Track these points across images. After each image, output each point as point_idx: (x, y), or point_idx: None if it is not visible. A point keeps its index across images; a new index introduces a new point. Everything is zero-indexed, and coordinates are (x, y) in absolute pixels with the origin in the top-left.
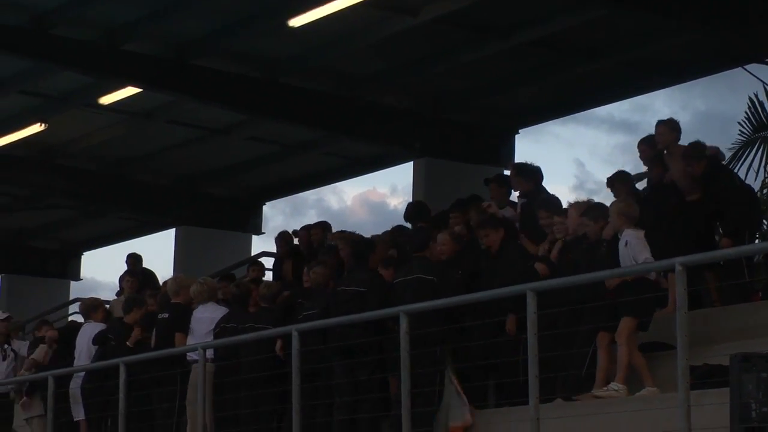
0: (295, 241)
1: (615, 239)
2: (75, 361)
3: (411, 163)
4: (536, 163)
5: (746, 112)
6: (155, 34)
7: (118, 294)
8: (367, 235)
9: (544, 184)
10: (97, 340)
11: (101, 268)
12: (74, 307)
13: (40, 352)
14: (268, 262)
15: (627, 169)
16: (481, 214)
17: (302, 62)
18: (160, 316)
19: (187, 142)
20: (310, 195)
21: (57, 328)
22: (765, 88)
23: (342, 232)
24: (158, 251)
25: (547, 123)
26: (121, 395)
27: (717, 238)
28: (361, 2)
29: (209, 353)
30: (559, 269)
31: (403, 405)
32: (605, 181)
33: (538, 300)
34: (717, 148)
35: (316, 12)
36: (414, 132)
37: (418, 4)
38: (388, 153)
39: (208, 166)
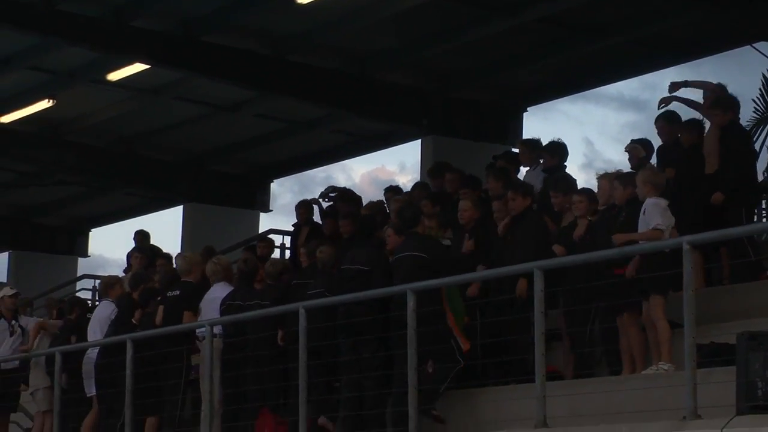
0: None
1: (634, 205)
2: (89, 338)
3: (419, 141)
4: (545, 141)
5: (760, 89)
6: (163, 10)
7: (125, 271)
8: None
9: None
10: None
11: (109, 245)
12: (82, 284)
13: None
14: (277, 240)
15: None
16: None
17: (310, 39)
18: (170, 293)
19: (194, 119)
20: (318, 172)
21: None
22: None
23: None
24: (166, 228)
25: (555, 101)
26: (128, 372)
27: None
28: None
29: (218, 330)
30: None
31: (410, 382)
32: (616, 159)
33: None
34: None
35: None
36: (422, 110)
37: None
38: (396, 131)
39: (216, 143)
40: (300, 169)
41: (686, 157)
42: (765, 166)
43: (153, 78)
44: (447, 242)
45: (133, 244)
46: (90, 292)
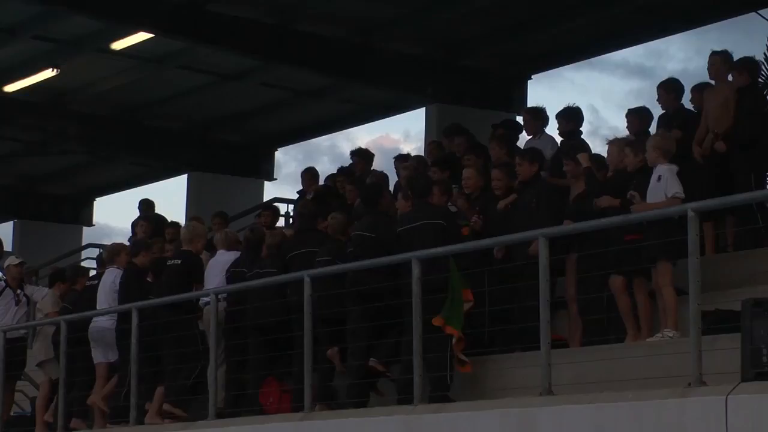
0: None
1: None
2: (98, 306)
3: (423, 109)
4: (550, 109)
5: (765, 54)
6: None
7: (130, 239)
8: None
9: (557, 128)
10: None
11: (114, 214)
12: (87, 253)
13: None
14: (281, 208)
15: None
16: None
17: (315, 8)
18: (170, 262)
19: (199, 88)
20: (322, 141)
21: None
22: None
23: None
24: (170, 197)
25: (561, 68)
26: (134, 340)
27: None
28: None
29: (221, 297)
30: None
31: (415, 350)
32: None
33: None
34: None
35: None
36: (426, 78)
37: None
38: (401, 99)
39: (221, 112)
40: (305, 137)
41: (693, 120)
42: None
43: (157, 47)
44: (453, 208)
45: (137, 213)
46: (95, 261)
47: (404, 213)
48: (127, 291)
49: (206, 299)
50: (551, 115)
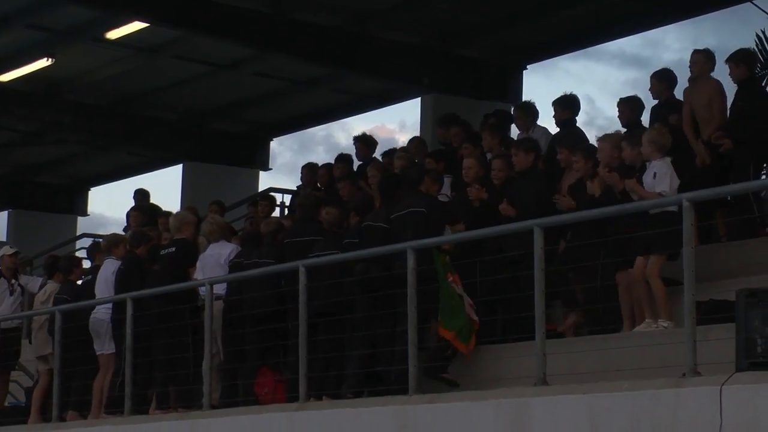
0: None
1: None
2: (97, 296)
3: (419, 99)
4: (546, 99)
5: (753, 49)
6: None
7: (125, 230)
8: None
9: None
10: None
11: (109, 204)
12: (82, 242)
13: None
14: (276, 198)
15: None
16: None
17: None
18: (165, 251)
19: (194, 78)
20: (318, 131)
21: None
22: None
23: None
24: (165, 187)
25: (557, 58)
26: (128, 330)
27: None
28: None
29: (222, 289)
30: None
31: (410, 341)
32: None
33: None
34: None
35: None
36: (422, 68)
37: None
38: (396, 89)
39: (216, 102)
40: (300, 127)
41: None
42: None
43: (152, 36)
44: (444, 198)
45: (133, 203)
46: (86, 253)
47: (396, 202)
48: (128, 281)
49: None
50: (548, 103)
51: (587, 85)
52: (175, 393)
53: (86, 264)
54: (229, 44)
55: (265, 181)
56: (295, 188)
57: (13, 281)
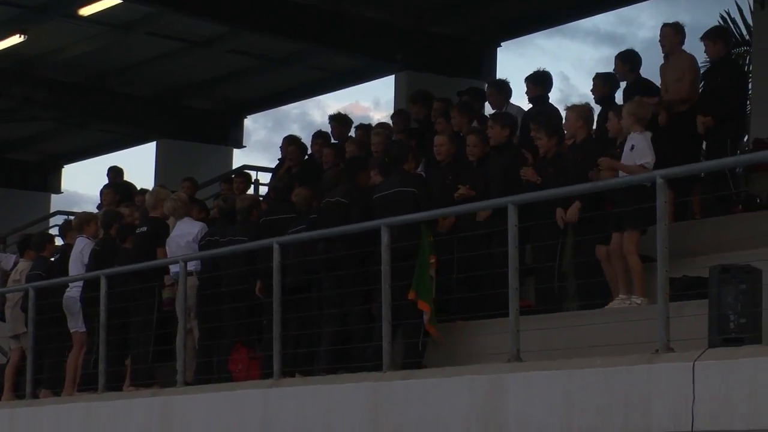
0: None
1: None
2: (70, 274)
3: (393, 76)
4: (520, 77)
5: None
6: None
7: (98, 207)
8: None
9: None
10: None
11: (82, 181)
12: (55, 220)
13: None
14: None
15: None
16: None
17: None
18: (138, 230)
19: (168, 55)
20: (292, 108)
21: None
22: (736, 4)
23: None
24: (139, 164)
25: (531, 35)
26: (102, 307)
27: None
28: None
29: (195, 266)
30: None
31: (384, 317)
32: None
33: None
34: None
35: None
36: (396, 45)
37: None
38: (371, 66)
39: (190, 79)
40: (274, 105)
41: (655, 89)
42: None
43: (125, 13)
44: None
45: (106, 180)
46: (58, 231)
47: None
48: (103, 263)
49: (175, 270)
50: (522, 80)
51: (562, 63)
52: (146, 370)
53: (59, 242)
54: (202, 21)
55: (239, 158)
56: (277, 159)
57: None
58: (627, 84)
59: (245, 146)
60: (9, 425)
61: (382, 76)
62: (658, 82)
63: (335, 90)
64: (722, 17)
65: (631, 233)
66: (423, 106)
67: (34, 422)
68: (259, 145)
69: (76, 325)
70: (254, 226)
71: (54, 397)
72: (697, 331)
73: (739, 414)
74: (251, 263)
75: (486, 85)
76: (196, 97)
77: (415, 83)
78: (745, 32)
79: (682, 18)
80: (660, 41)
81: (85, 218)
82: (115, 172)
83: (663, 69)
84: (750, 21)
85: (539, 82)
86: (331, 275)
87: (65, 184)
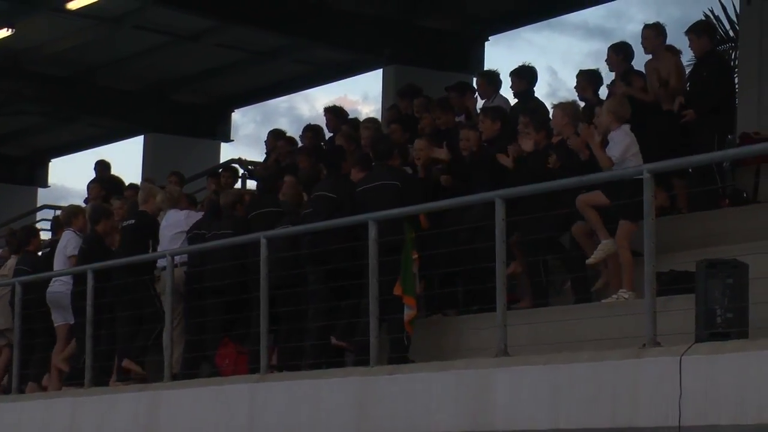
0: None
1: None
2: (55, 268)
3: (381, 70)
4: (508, 71)
5: (706, 13)
6: None
7: (86, 201)
8: None
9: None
10: None
11: (70, 175)
12: (42, 214)
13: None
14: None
15: None
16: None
17: None
18: (125, 223)
19: (155, 49)
20: (280, 102)
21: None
22: (720, 2)
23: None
24: (127, 158)
25: (519, 29)
26: (89, 302)
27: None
28: None
29: (180, 259)
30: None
31: (371, 312)
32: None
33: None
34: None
35: None
36: (384, 39)
37: None
38: (359, 60)
39: (177, 73)
40: (262, 98)
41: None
42: None
43: (113, 7)
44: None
45: (94, 175)
46: (50, 223)
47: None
48: (89, 259)
49: (163, 262)
50: (504, 77)
51: (550, 57)
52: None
53: (47, 236)
54: (189, 15)
55: (227, 152)
56: (265, 153)
57: None
58: (618, 75)
59: (233, 140)
60: None
61: (371, 70)
62: None
63: (323, 84)
64: (705, 15)
65: (626, 225)
66: (412, 101)
67: (20, 417)
68: (247, 139)
69: (60, 319)
70: (240, 221)
71: (41, 392)
72: (684, 325)
73: (726, 408)
74: (237, 258)
75: (476, 75)
76: (184, 91)
77: (403, 77)
78: (729, 29)
79: (671, 12)
80: (642, 43)
81: (72, 211)
82: (102, 166)
83: (648, 66)
84: (734, 18)
85: (524, 77)
86: (317, 270)
87: (52, 178)
